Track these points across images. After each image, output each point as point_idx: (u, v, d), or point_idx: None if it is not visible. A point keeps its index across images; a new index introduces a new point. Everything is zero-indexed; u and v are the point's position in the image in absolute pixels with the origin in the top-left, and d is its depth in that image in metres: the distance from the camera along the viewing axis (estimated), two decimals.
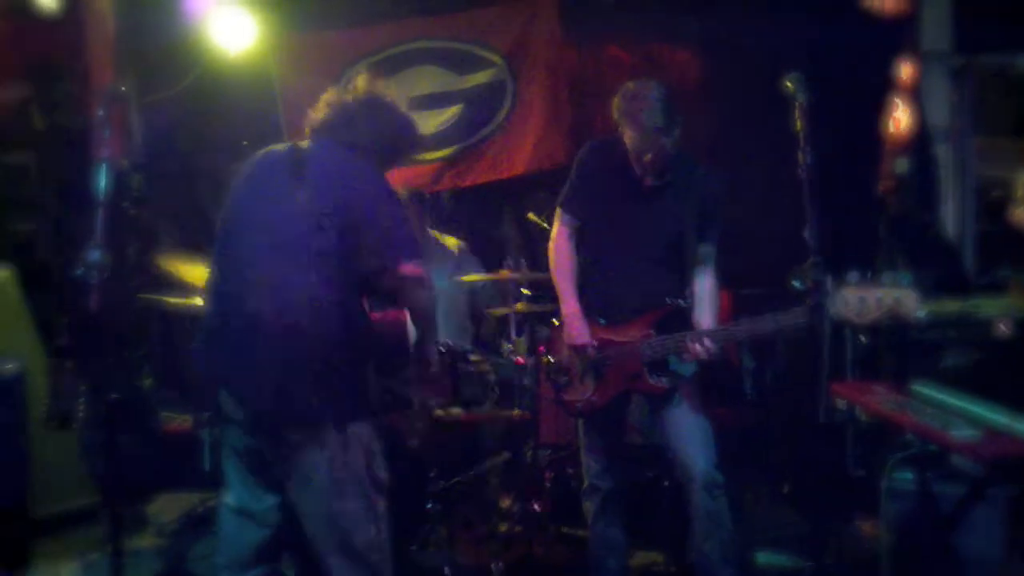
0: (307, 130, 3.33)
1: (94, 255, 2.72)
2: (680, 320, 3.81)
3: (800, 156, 3.13)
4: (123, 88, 2.97)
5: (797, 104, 3.17)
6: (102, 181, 2.79)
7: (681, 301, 3.84)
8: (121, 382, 5.35)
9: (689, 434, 3.76)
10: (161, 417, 5.62)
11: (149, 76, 6.37)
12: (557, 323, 4.02)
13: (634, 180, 3.85)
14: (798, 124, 3.16)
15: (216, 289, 3.19)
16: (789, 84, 3.20)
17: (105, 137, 2.82)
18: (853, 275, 3.10)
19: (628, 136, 3.76)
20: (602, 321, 3.89)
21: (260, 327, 3.02)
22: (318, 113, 3.31)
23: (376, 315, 3.28)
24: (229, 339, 3.10)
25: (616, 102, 3.77)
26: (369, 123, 3.27)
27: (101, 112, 2.82)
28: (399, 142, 3.39)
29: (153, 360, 5.96)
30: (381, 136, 3.30)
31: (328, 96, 3.32)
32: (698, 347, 3.66)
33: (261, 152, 3.30)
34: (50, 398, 3.71)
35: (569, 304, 3.91)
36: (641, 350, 3.78)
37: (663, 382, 3.78)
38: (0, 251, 5.35)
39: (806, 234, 3.11)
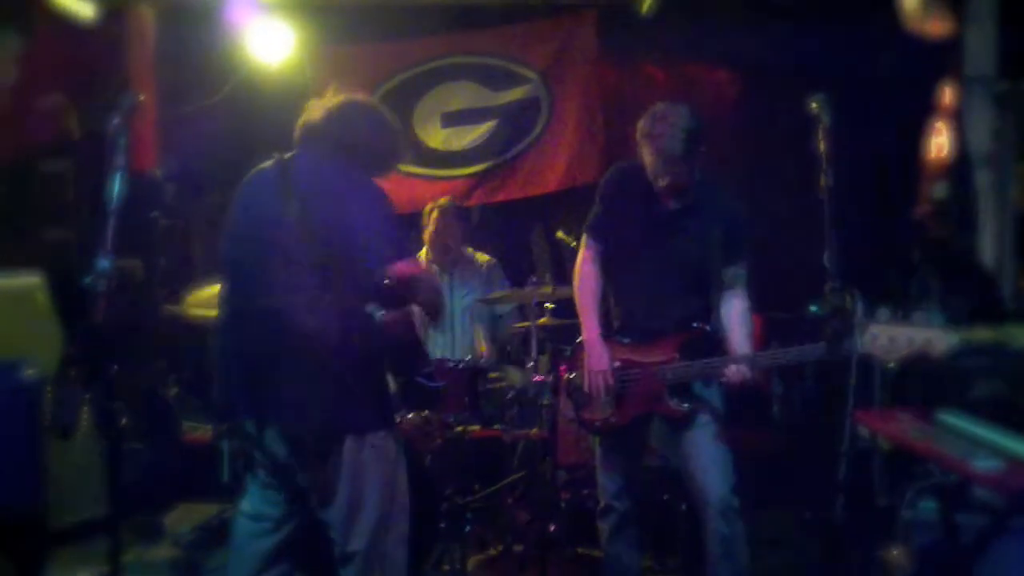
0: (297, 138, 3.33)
1: (103, 264, 2.72)
2: (706, 345, 3.77)
3: (822, 179, 3.08)
4: (140, 96, 2.95)
5: (821, 126, 3.12)
6: (115, 190, 2.78)
7: (707, 326, 3.80)
8: (142, 391, 5.39)
9: (707, 457, 3.72)
10: (183, 427, 5.64)
11: (188, 86, 6.44)
12: (580, 341, 3.99)
13: (657, 204, 3.82)
14: (821, 146, 3.10)
15: (226, 311, 3.24)
16: (815, 105, 3.15)
17: (121, 146, 2.82)
18: (883, 312, 3.05)
19: (646, 158, 3.73)
20: (626, 340, 3.86)
21: (269, 345, 3.06)
22: (304, 121, 3.31)
23: (385, 317, 3.27)
24: (242, 359, 3.14)
25: (641, 123, 3.75)
26: (354, 129, 3.27)
27: (117, 121, 2.82)
28: (383, 148, 3.38)
29: (180, 370, 6.00)
30: (366, 142, 3.30)
31: (316, 103, 3.33)
32: (733, 370, 3.63)
33: (251, 172, 3.32)
34: (52, 408, 3.72)
35: (590, 330, 3.89)
36: (664, 373, 3.75)
37: (684, 406, 3.74)
38: (33, 258, 5.39)
39: (825, 259, 3.06)
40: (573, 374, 3.98)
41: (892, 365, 4.63)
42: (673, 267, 3.80)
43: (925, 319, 3.18)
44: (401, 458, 3.27)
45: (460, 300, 5.52)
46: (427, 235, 5.59)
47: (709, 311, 3.83)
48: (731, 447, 3.77)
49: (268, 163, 3.30)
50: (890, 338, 3.07)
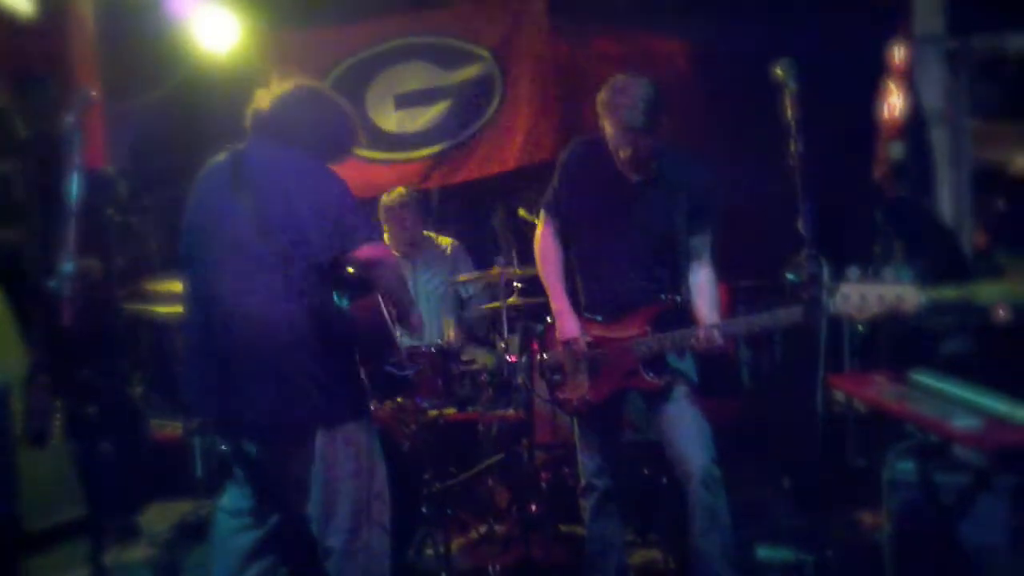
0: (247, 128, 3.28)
1: (67, 266, 2.65)
2: (677, 316, 3.76)
3: (791, 145, 3.07)
4: (93, 93, 2.88)
5: (788, 91, 3.11)
6: (74, 189, 2.71)
7: (677, 297, 3.78)
8: (108, 391, 5.30)
9: (686, 429, 3.71)
10: (152, 425, 5.57)
11: (133, 79, 6.31)
12: (551, 320, 3.96)
13: (618, 177, 3.79)
14: (788, 112, 3.09)
15: (188, 310, 3.21)
16: (779, 71, 3.14)
17: (76, 143, 2.75)
18: (853, 271, 3.05)
19: (607, 130, 3.70)
20: (598, 318, 3.84)
21: (233, 341, 3.03)
22: (252, 111, 3.27)
23: (351, 305, 3.23)
24: (206, 356, 3.10)
25: (600, 94, 3.71)
26: (304, 116, 3.24)
27: (71, 118, 2.75)
28: (337, 134, 3.35)
29: (143, 368, 5.91)
30: (317, 128, 3.26)
31: (264, 92, 3.29)
32: (703, 338, 3.62)
33: (204, 167, 3.28)
34: (24, 415, 3.65)
35: (558, 300, 3.87)
36: (637, 347, 3.73)
37: (660, 379, 3.73)
38: None
39: (799, 225, 3.05)
40: (545, 354, 3.96)
41: (861, 326, 4.70)
42: (638, 240, 3.78)
43: (894, 276, 3.18)
44: (377, 448, 3.24)
45: (424, 285, 5.48)
46: (384, 226, 5.54)
47: (678, 282, 3.82)
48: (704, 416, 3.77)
49: (220, 156, 3.24)
50: (861, 296, 3.05)
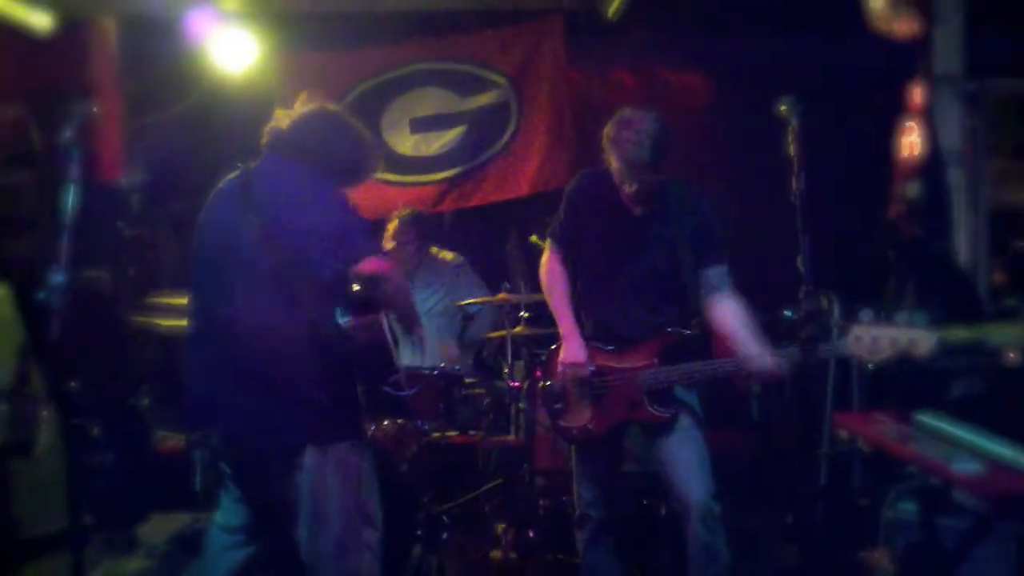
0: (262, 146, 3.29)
1: (58, 278, 2.64)
2: (684, 349, 3.72)
3: (793, 182, 3.05)
4: (95, 108, 2.88)
5: (790, 128, 3.09)
6: (70, 202, 2.71)
7: (684, 331, 3.76)
8: (114, 402, 5.31)
9: (686, 462, 3.66)
10: (156, 437, 5.57)
11: (152, 97, 6.36)
12: (555, 348, 3.93)
13: (623, 210, 3.77)
14: (791, 149, 3.07)
15: (192, 325, 3.21)
16: (783, 108, 3.12)
17: (75, 157, 2.75)
18: (867, 313, 3.01)
19: (613, 164, 3.68)
20: (609, 348, 3.80)
21: (231, 357, 3.03)
22: (269, 130, 3.28)
23: (351, 323, 3.21)
24: (206, 373, 3.11)
25: (607, 128, 3.69)
26: (321, 138, 3.23)
27: (70, 132, 2.75)
28: (353, 159, 3.35)
29: (150, 380, 5.92)
30: (333, 152, 3.25)
31: (284, 112, 3.30)
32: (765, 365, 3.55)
33: (218, 184, 3.28)
34: (8, 425, 3.64)
35: (565, 322, 3.84)
36: (643, 379, 3.69)
37: (666, 412, 3.69)
38: None
39: (799, 263, 3.02)
40: (548, 382, 3.92)
41: (872, 366, 4.65)
42: (643, 274, 3.76)
43: (908, 320, 3.15)
44: (370, 471, 3.20)
45: (423, 303, 5.43)
46: (386, 245, 5.52)
47: (683, 317, 3.79)
48: (710, 448, 3.72)
49: (233, 174, 3.25)
50: (873, 339, 3.01)
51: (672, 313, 3.78)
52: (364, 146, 3.39)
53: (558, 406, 3.85)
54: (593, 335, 3.86)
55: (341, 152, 3.28)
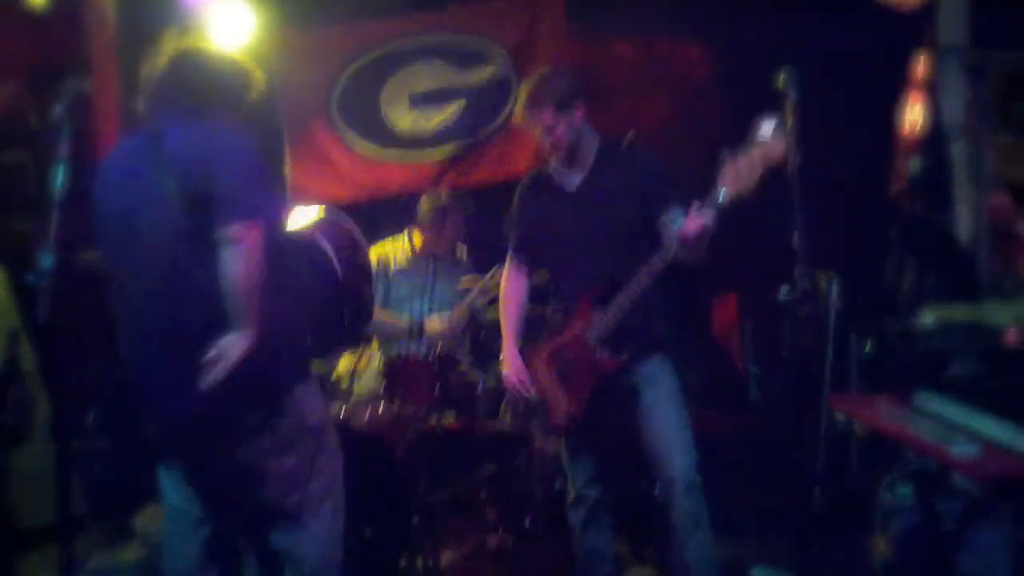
0: (142, 111, 3.10)
1: (46, 260, 2.60)
2: (615, 287, 3.66)
3: (790, 156, 3.01)
4: (86, 84, 2.83)
5: (788, 101, 3.05)
6: (59, 181, 2.67)
7: (612, 276, 3.70)
8: (111, 389, 5.28)
9: (666, 433, 3.68)
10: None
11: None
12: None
13: (561, 190, 3.83)
14: (788, 122, 3.04)
15: (116, 303, 3.05)
16: (781, 80, 3.08)
17: (65, 135, 2.70)
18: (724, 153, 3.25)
19: (523, 122, 3.78)
20: (555, 327, 3.88)
21: (172, 331, 2.88)
22: (146, 90, 3.08)
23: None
24: (137, 348, 2.98)
25: (518, 95, 3.80)
26: (196, 80, 3.03)
27: (60, 109, 2.71)
28: (235, 85, 3.13)
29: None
30: (214, 87, 3.06)
31: (147, 72, 3.09)
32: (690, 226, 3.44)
33: (113, 151, 3.14)
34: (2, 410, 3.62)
35: (507, 340, 3.95)
36: (588, 338, 3.69)
37: (619, 355, 3.67)
38: None
39: (795, 241, 2.99)
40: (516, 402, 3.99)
41: (868, 348, 4.63)
42: (595, 243, 3.74)
43: (755, 137, 3.27)
44: (327, 441, 3.13)
45: (440, 296, 5.29)
46: (423, 225, 5.38)
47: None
48: (707, 429, 3.72)
49: (124, 138, 3.09)
50: (738, 173, 3.18)
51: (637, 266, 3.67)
52: (240, 67, 3.17)
53: (533, 412, 3.92)
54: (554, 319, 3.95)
55: (222, 84, 3.08)
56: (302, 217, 3.40)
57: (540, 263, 4.01)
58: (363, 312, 3.55)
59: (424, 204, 5.36)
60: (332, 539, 3.13)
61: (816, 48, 5.57)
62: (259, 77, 3.21)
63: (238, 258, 2.76)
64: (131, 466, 5.17)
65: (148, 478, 5.18)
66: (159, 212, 2.86)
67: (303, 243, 3.21)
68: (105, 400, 5.32)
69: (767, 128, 3.20)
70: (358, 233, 3.48)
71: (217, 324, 2.79)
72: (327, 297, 3.24)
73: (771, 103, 3.22)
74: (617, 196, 3.72)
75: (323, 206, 3.51)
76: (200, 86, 3.03)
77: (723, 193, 3.32)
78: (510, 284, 4.04)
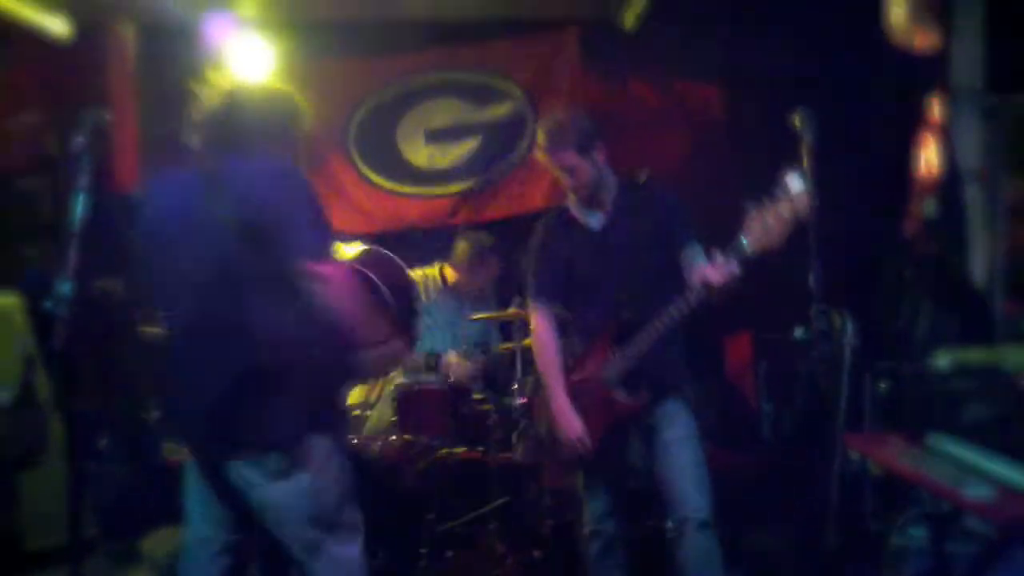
0: (196, 150, 3.08)
1: (64, 287, 2.61)
2: (634, 326, 3.64)
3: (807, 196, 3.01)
4: (107, 116, 2.84)
5: (804, 142, 3.05)
6: (78, 211, 2.68)
7: (633, 314, 3.67)
8: (123, 413, 5.29)
9: (682, 471, 3.65)
10: (164, 449, 5.54)
11: (169, 105, 6.35)
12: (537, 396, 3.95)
13: (583, 230, 3.83)
14: (805, 163, 3.04)
15: (167, 328, 3.07)
16: (797, 121, 3.09)
17: (85, 166, 2.72)
18: (749, 204, 3.22)
19: (551, 170, 3.77)
20: (568, 364, 3.83)
21: (204, 360, 2.91)
22: (199, 127, 3.08)
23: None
24: (182, 377, 3.01)
25: (538, 137, 3.78)
26: (249, 117, 3.06)
27: (81, 140, 2.73)
28: (287, 122, 3.17)
29: (160, 391, 5.91)
30: (269, 126, 3.09)
31: (199, 109, 3.09)
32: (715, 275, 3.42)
33: (156, 181, 3.16)
34: (14, 436, 3.64)
35: (558, 399, 3.78)
36: (604, 377, 3.68)
37: (637, 398, 3.66)
38: (10, 277, 5.31)
39: (811, 281, 2.99)
40: (539, 427, 3.94)
41: (883, 387, 4.60)
42: (617, 281, 3.73)
43: (782, 190, 3.23)
44: (342, 464, 3.12)
45: (466, 328, 5.36)
46: (459, 265, 5.43)
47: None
48: (721, 467, 3.70)
49: (177, 170, 3.07)
50: (764, 225, 3.15)
51: (658, 302, 3.65)
52: (292, 103, 3.20)
53: (555, 446, 3.83)
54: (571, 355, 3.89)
55: (276, 123, 3.11)
56: (344, 251, 3.41)
57: (561, 301, 3.94)
58: (410, 345, 3.59)
59: (461, 244, 5.41)
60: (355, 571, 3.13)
61: (831, 89, 5.60)
62: (306, 111, 3.24)
63: (334, 293, 2.85)
64: (141, 490, 5.19)
65: (157, 502, 5.23)
66: (216, 247, 2.88)
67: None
68: (116, 425, 5.34)
69: (794, 182, 3.19)
70: (406, 270, 3.49)
71: (269, 356, 2.87)
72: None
73: (785, 144, 3.22)
74: (639, 235, 3.72)
75: (361, 241, 3.53)
76: (253, 123, 3.07)
77: (747, 245, 3.31)
78: (544, 332, 3.89)
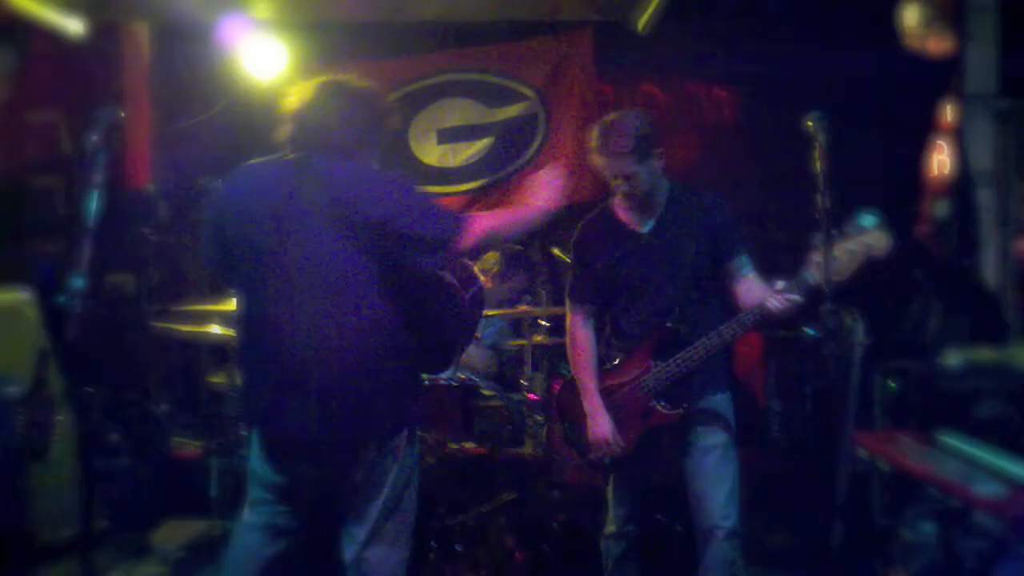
0: (285, 144, 3.13)
1: (77, 282, 2.63)
2: (679, 343, 3.60)
3: (819, 200, 3.00)
4: (121, 114, 2.86)
5: (817, 145, 3.05)
6: (92, 207, 2.70)
7: (680, 326, 3.62)
8: (133, 407, 5.33)
9: (719, 485, 3.59)
10: (173, 443, 5.58)
11: (183, 103, 6.41)
12: (568, 378, 3.89)
13: (628, 234, 3.72)
14: (817, 165, 3.03)
15: (250, 320, 3.07)
16: (810, 124, 3.08)
17: (100, 163, 2.74)
18: (817, 236, 3.09)
19: (602, 171, 3.63)
20: (605, 366, 3.76)
21: (304, 353, 2.93)
22: (290, 125, 3.12)
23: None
24: (273, 369, 2.99)
25: (591, 136, 3.65)
26: (345, 116, 3.09)
27: (95, 137, 2.74)
28: (379, 119, 3.21)
29: (170, 385, 5.96)
30: (361, 123, 3.13)
31: (290, 104, 3.13)
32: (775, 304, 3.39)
33: (241, 171, 3.16)
34: (24, 429, 3.65)
35: (590, 399, 3.73)
36: (646, 384, 3.62)
37: (675, 409, 3.61)
38: (25, 274, 5.34)
39: (823, 281, 3.00)
40: (566, 423, 3.87)
41: (893, 385, 4.60)
42: (663, 287, 3.66)
43: (858, 226, 3.21)
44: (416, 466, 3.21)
45: (485, 328, 5.36)
46: (489, 273, 5.40)
47: (713, 320, 3.63)
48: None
49: (265, 162, 3.12)
50: (832, 259, 3.04)
51: (700, 317, 3.64)
52: (382, 100, 3.26)
53: (583, 440, 3.77)
54: (609, 355, 3.82)
55: (367, 119, 3.15)
56: None
57: (601, 305, 3.83)
58: (469, 342, 3.63)
59: (492, 253, 5.42)
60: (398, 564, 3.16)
61: (844, 92, 5.61)
62: (393, 109, 3.32)
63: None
64: (151, 482, 5.22)
65: (166, 494, 5.27)
66: (314, 237, 2.95)
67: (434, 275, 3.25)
68: (127, 418, 5.37)
69: (870, 221, 3.18)
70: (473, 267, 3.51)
71: (376, 349, 2.95)
72: (450, 327, 3.30)
73: (798, 145, 3.22)
74: (687, 242, 3.64)
75: None
76: (345, 117, 3.10)
77: (811, 278, 3.27)
78: (580, 334, 3.81)
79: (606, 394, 3.71)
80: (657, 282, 3.67)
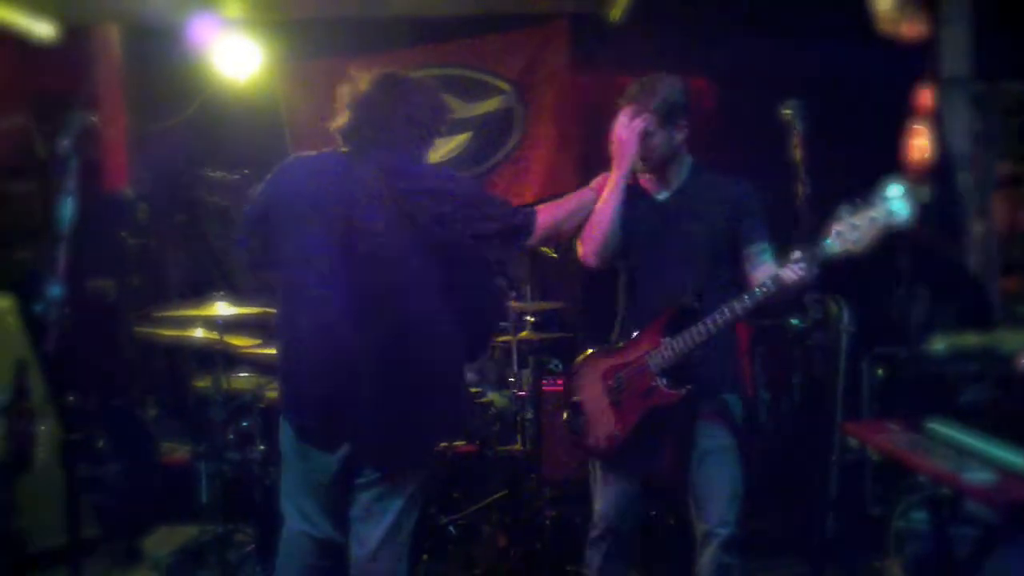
0: (339, 138, 3.11)
1: (54, 291, 2.59)
2: (692, 319, 3.44)
3: (798, 188, 2.99)
4: (93, 117, 2.83)
5: (795, 133, 3.03)
6: (66, 213, 2.66)
7: (695, 302, 3.46)
8: (120, 413, 5.29)
9: (720, 486, 3.50)
10: (162, 448, 5.54)
11: (156, 105, 6.35)
12: (582, 359, 3.77)
13: (650, 197, 3.62)
14: (796, 154, 3.01)
15: (298, 319, 3.01)
16: (787, 112, 3.06)
17: (72, 168, 2.70)
18: (843, 208, 3.03)
19: (619, 120, 3.53)
20: (619, 343, 3.64)
21: (365, 357, 2.89)
22: (346, 118, 3.10)
23: None
24: (326, 371, 2.95)
25: (629, 89, 3.55)
26: (404, 110, 3.09)
27: (66, 142, 2.70)
28: (434, 113, 3.20)
29: (156, 391, 5.91)
30: (420, 117, 3.12)
31: (345, 99, 3.12)
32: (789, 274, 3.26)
33: (290, 164, 3.13)
34: (6, 439, 3.61)
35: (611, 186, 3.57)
36: (651, 361, 3.47)
37: (678, 389, 3.43)
38: (2, 280, 5.30)
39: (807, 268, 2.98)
40: (574, 398, 3.73)
41: (880, 373, 4.62)
42: (676, 258, 3.54)
43: (879, 196, 3.09)
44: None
45: None
46: None
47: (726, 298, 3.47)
48: None
49: (321, 155, 3.10)
50: (853, 227, 3.01)
51: (713, 293, 3.49)
52: (437, 94, 3.26)
53: (582, 422, 3.66)
54: (621, 334, 3.69)
55: (423, 114, 3.14)
56: None
57: (612, 268, 3.70)
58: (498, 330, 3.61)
59: None
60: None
61: (820, 79, 5.59)
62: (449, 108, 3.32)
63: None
64: (140, 489, 5.19)
65: (156, 501, 5.23)
66: (376, 232, 2.92)
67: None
68: (114, 425, 5.33)
69: (894, 191, 3.12)
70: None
71: (419, 339, 2.92)
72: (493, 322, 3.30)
73: (777, 134, 3.20)
74: (707, 214, 3.53)
75: None
76: (404, 112, 3.10)
77: (831, 247, 3.16)
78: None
79: (613, 371, 3.58)
80: (672, 251, 3.55)
